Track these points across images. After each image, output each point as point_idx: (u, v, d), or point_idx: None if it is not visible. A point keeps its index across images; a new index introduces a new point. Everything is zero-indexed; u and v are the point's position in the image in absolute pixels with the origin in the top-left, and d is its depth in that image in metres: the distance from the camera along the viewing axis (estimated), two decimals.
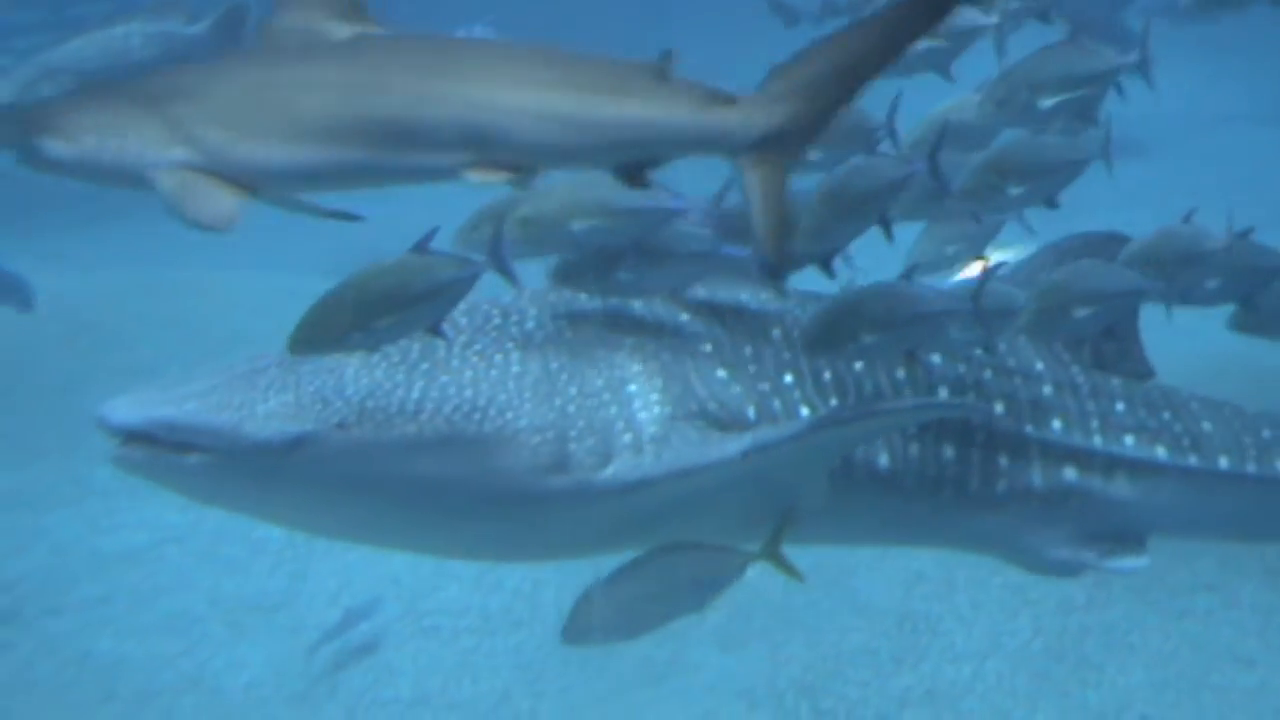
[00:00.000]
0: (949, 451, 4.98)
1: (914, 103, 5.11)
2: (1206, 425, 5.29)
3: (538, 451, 4.58)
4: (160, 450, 4.48)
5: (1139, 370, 5.36)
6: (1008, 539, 5.19)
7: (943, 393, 5.01)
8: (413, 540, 5.10)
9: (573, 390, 4.66)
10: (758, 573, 7.92)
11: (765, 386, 4.83)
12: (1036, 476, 5.07)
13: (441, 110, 3.94)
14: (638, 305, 4.86)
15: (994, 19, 4.99)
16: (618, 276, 4.62)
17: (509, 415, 4.58)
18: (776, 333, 4.93)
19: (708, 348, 4.83)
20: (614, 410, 4.67)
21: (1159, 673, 8.15)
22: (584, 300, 4.83)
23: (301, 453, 4.46)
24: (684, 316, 4.86)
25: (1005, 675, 8.26)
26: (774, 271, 4.54)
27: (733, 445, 4.63)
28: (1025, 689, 8.22)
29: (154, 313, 12.48)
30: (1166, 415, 5.26)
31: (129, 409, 4.51)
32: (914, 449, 4.93)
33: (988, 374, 5.09)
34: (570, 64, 4.07)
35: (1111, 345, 5.33)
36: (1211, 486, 5.26)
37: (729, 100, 4.04)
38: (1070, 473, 5.11)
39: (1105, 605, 8.50)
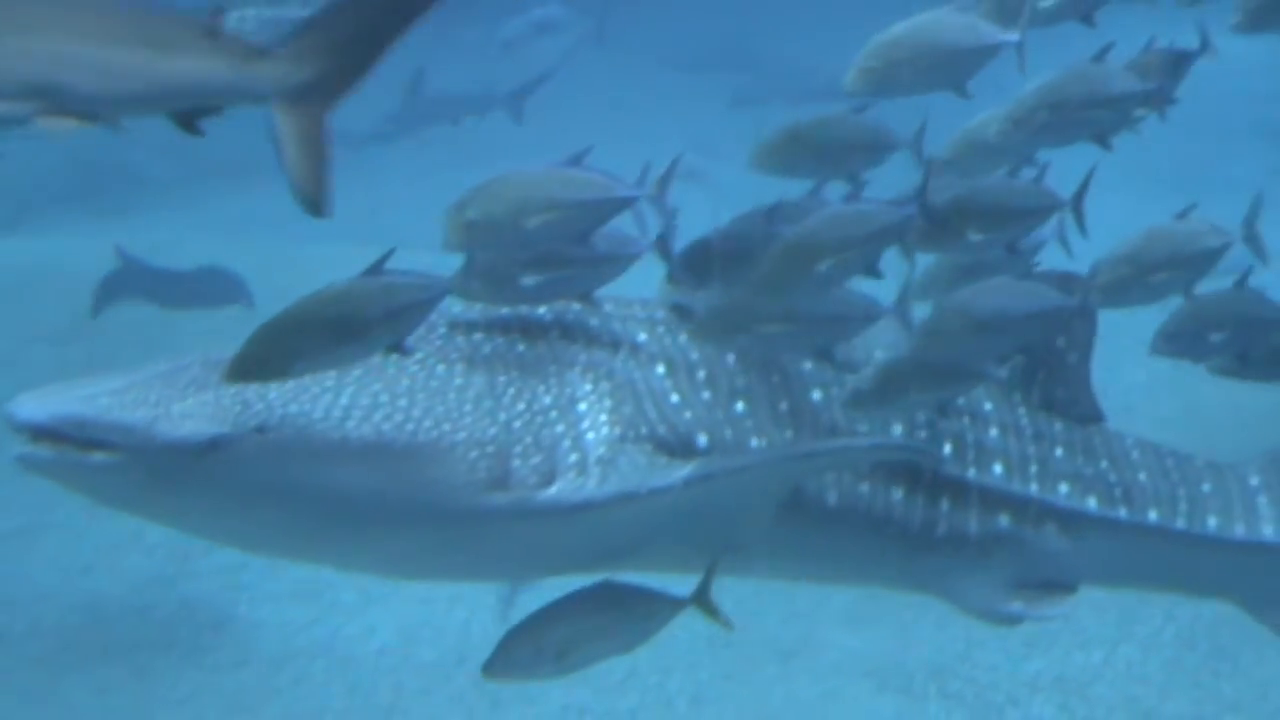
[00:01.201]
0: (897, 492, 4.85)
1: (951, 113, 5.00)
2: (1143, 476, 5.18)
3: (475, 466, 4.41)
4: (67, 448, 4.24)
5: (1088, 414, 5.23)
6: (940, 582, 5.07)
7: (895, 431, 4.88)
8: (340, 555, 4.85)
9: (520, 406, 4.51)
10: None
11: (719, 414, 4.69)
12: (973, 521, 4.96)
13: (3, 63, 3.96)
14: (594, 321, 4.73)
15: (1015, 35, 4.73)
16: (521, 282, 4.50)
17: (446, 427, 4.41)
18: (731, 358, 4.78)
19: (661, 369, 4.69)
20: (561, 429, 4.52)
21: None
22: (539, 313, 4.71)
23: (216, 456, 4.27)
24: (641, 336, 4.72)
25: (1136, 662, 8.20)
26: (311, 207, 4.35)
27: (678, 473, 4.48)
28: (1157, 677, 8.16)
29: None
30: (1104, 464, 5.16)
31: (37, 405, 4.26)
32: (864, 487, 4.81)
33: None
34: (126, 19, 4.17)
35: (1061, 388, 5.20)
36: (1140, 540, 5.16)
37: (266, 55, 4.24)
38: (1004, 519, 4.99)
39: None
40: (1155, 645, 8.25)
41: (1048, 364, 5.19)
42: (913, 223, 4.59)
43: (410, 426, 4.37)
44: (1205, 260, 4.89)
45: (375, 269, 4.18)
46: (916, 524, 4.89)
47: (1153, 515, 5.13)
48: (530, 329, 4.68)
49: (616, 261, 4.61)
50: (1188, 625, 8.32)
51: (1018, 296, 4.70)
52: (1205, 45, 5.23)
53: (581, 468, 4.49)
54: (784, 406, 4.75)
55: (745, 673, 8.17)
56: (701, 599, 4.77)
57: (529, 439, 4.47)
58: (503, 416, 4.47)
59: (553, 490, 4.45)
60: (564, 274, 4.54)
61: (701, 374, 4.72)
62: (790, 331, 4.59)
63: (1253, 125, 18.51)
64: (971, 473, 4.95)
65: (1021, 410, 5.11)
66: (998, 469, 4.98)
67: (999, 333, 4.68)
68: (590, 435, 4.53)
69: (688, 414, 4.64)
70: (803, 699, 8.09)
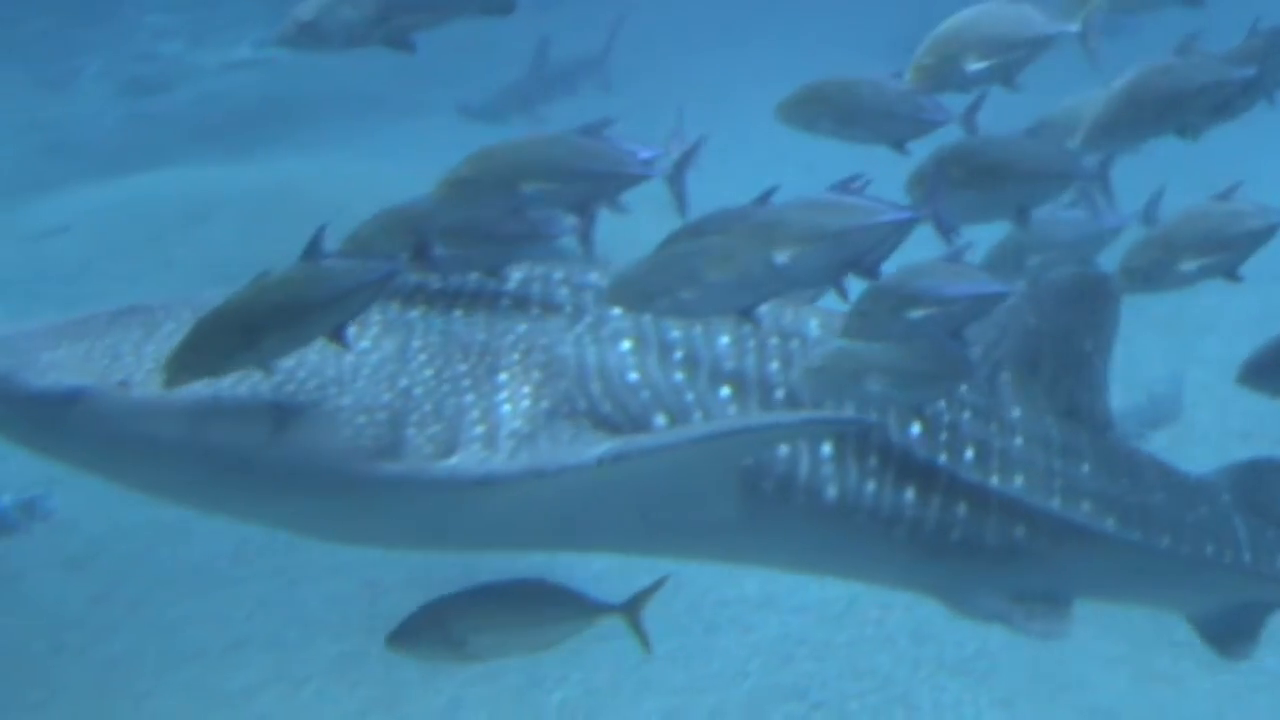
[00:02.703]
0: (909, 493, 4.68)
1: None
2: (1158, 497, 5.08)
3: (361, 433, 4.25)
4: None
5: (1101, 421, 5.11)
6: (945, 585, 4.96)
7: (914, 430, 4.69)
8: (242, 512, 4.74)
9: (427, 374, 4.34)
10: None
11: (690, 397, 4.50)
12: (991, 531, 4.80)
13: None
14: (556, 293, 4.57)
15: (1075, 26, 4.52)
16: (434, 254, 4.36)
17: (331, 391, 4.26)
18: (724, 340, 4.60)
19: (626, 345, 4.52)
20: (470, 399, 4.33)
21: None
22: (498, 283, 4.55)
23: (79, 407, 4.23)
24: (614, 311, 4.50)
25: None
26: None
27: (591, 451, 4.25)
28: None
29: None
30: (1125, 483, 5.03)
31: None
32: (870, 485, 4.64)
33: (966, 415, 4.81)
34: None
35: (1085, 394, 5.07)
36: (1147, 562, 5.06)
37: None
38: (1021, 531, 4.84)
39: None
40: None
41: (1075, 368, 5.07)
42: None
43: (290, 388, 4.24)
44: (1249, 242, 4.65)
45: (312, 253, 4.05)
46: (929, 527, 4.74)
47: (1165, 541, 5.05)
48: (479, 298, 4.54)
49: (534, 240, 4.46)
50: None
51: (950, 279, 4.39)
52: None
53: (489, 440, 4.30)
54: (779, 395, 4.59)
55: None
56: (632, 611, 4.65)
57: (428, 407, 4.31)
58: (404, 383, 4.31)
59: (450, 462, 4.26)
60: (477, 249, 4.39)
61: (679, 354, 4.55)
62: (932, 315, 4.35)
63: None
64: (994, 480, 4.80)
65: (1049, 420, 4.98)
66: (1020, 480, 4.84)
67: (928, 315, 4.35)
68: (506, 408, 4.35)
69: (645, 393, 4.47)
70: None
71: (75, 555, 8.85)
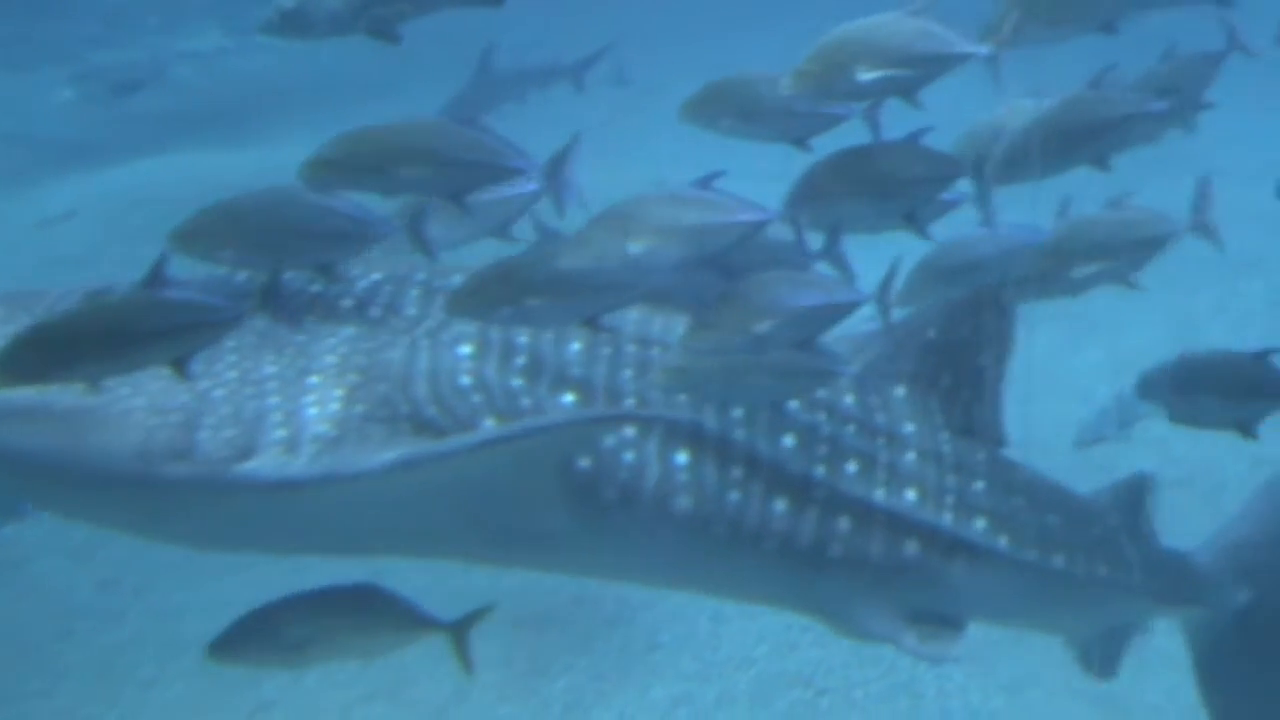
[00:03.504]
0: (781, 504, 4.56)
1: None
2: (1051, 518, 4.99)
3: (153, 435, 4.19)
4: None
5: (996, 437, 5.02)
6: (829, 604, 4.81)
7: (787, 441, 4.58)
8: (69, 512, 4.75)
9: (231, 375, 4.28)
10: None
11: (526, 402, 4.40)
12: (876, 546, 4.69)
13: None
14: (412, 294, 4.51)
15: (984, 49, 4.35)
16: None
17: (124, 392, 4.18)
18: (575, 347, 4.50)
19: (466, 350, 4.43)
20: (274, 402, 4.25)
21: None
22: (330, 286, 4.47)
23: None
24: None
25: None
26: None
27: (380, 457, 4.16)
28: None
29: None
30: (1020, 501, 4.93)
31: None
32: (734, 495, 4.51)
33: (850, 428, 4.72)
34: None
35: (981, 410, 4.98)
36: (1041, 582, 4.97)
37: None
38: (911, 548, 4.73)
39: None
40: None
41: (972, 383, 4.99)
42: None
43: (79, 388, 4.14)
44: (1143, 250, 4.64)
45: (154, 279, 3.97)
46: (805, 542, 4.62)
47: (1059, 560, 4.97)
48: (320, 300, 4.47)
49: (358, 239, 4.34)
50: None
51: (800, 289, 4.30)
52: (1235, 43, 4.97)
53: (291, 444, 4.21)
54: (629, 404, 4.49)
55: None
56: (460, 630, 4.59)
57: (226, 410, 4.23)
58: (203, 385, 4.23)
59: (245, 466, 4.18)
60: (300, 246, 4.26)
61: (522, 360, 4.46)
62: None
63: None
64: (879, 495, 4.69)
65: (945, 436, 4.89)
66: (910, 495, 4.73)
67: (778, 326, 4.25)
68: (313, 410, 4.26)
69: (476, 398, 4.38)
70: None
71: (81, 543, 8.84)
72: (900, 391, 4.92)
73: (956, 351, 5.00)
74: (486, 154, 4.30)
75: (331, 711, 7.74)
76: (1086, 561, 5.05)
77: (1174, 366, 4.93)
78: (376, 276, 4.57)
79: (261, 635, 4.47)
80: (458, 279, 4.38)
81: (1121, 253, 4.61)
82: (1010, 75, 4.45)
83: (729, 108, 4.43)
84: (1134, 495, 5.25)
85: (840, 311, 4.35)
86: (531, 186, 4.68)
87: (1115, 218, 4.65)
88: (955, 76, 4.35)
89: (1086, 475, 5.51)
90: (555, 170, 4.49)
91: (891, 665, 7.89)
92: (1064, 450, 9.54)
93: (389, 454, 4.16)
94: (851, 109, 4.50)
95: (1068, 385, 10.30)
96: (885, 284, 4.67)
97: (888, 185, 4.45)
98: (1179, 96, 4.69)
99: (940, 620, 4.84)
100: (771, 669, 7.92)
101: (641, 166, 5.03)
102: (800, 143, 4.48)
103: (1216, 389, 4.90)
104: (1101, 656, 5.51)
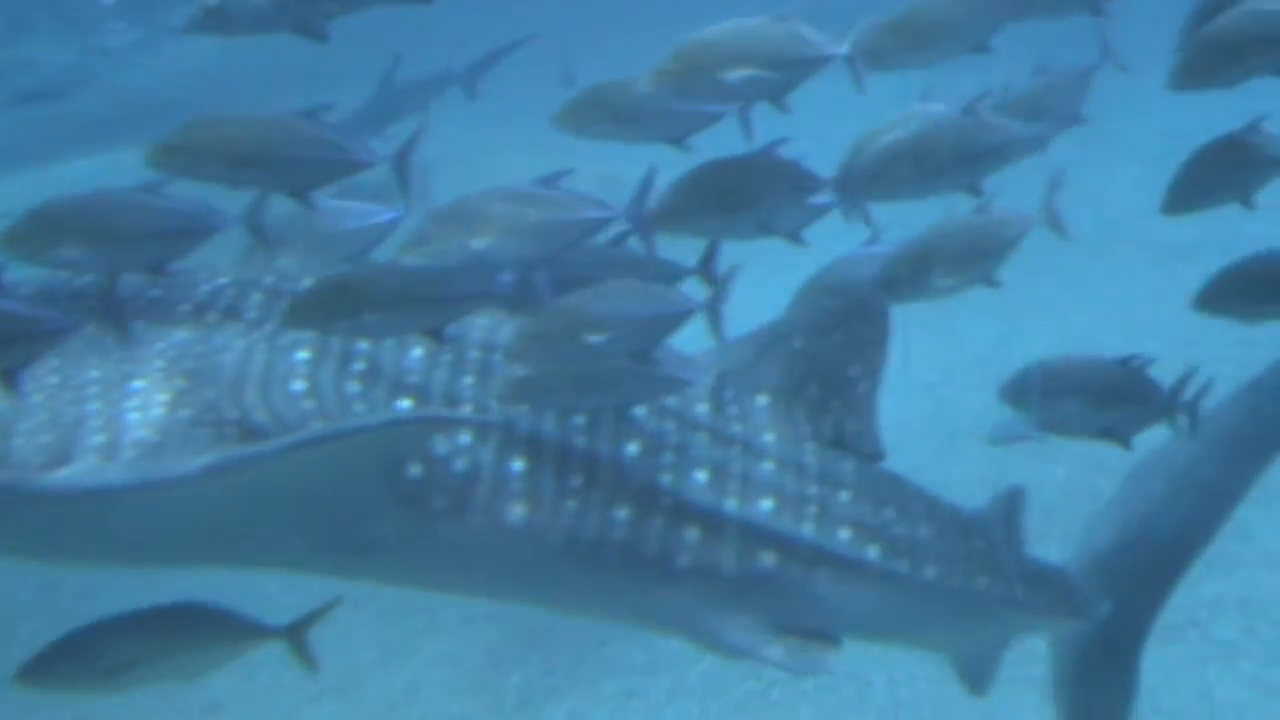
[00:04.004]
0: (623, 513, 4.47)
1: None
2: (925, 530, 4.85)
3: None
4: None
5: (871, 450, 4.91)
6: (684, 617, 4.68)
7: (631, 449, 4.50)
8: None
9: (51, 380, 4.19)
10: (1068, 473, 7.79)
11: (360, 408, 4.31)
12: (729, 557, 4.58)
13: None
14: (255, 298, 4.44)
15: (843, 49, 4.30)
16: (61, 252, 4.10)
17: None
18: (416, 353, 4.44)
19: (303, 355, 4.35)
20: (94, 407, 4.16)
21: None
22: (195, 287, 4.42)
23: None
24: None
25: None
26: None
27: (198, 462, 4.04)
28: None
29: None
30: (891, 513, 4.81)
31: None
32: (571, 504, 4.43)
33: (701, 436, 4.63)
34: None
35: (851, 420, 4.87)
36: (915, 595, 4.83)
37: None
38: (768, 558, 4.61)
39: None
40: None
41: (841, 393, 4.89)
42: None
43: None
44: (999, 250, 4.61)
45: None
46: (650, 552, 4.52)
47: (930, 572, 4.82)
48: (155, 303, 4.39)
49: (190, 236, 4.23)
50: None
51: (631, 299, 4.25)
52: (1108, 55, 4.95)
53: (109, 450, 4.11)
54: (468, 411, 4.43)
55: None
56: (296, 633, 4.52)
57: (44, 416, 4.14)
58: (27, 389, 4.09)
59: (60, 472, 4.07)
60: (123, 245, 4.14)
61: (360, 365, 4.39)
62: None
63: None
64: (731, 504, 4.58)
65: (810, 446, 4.78)
66: (766, 504, 4.62)
67: (602, 335, 4.20)
68: (134, 415, 4.16)
69: (308, 403, 4.30)
70: None
71: None
72: (763, 401, 4.81)
73: (824, 361, 4.90)
74: (330, 149, 4.22)
75: (281, 711, 7.71)
76: (964, 574, 4.92)
77: (1039, 372, 4.85)
78: (222, 280, 4.49)
79: (78, 658, 4.31)
80: (305, 283, 4.32)
81: (978, 254, 4.59)
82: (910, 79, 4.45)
83: (602, 113, 4.38)
84: (1009, 509, 5.14)
85: (669, 323, 4.28)
86: (390, 215, 4.62)
87: (971, 221, 4.62)
88: (879, 82, 4.31)
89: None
90: (401, 161, 4.37)
91: (840, 656, 7.91)
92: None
93: (203, 459, 4.04)
94: (725, 107, 4.40)
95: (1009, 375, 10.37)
96: (715, 295, 4.53)
97: (741, 199, 4.42)
98: (1051, 120, 4.70)
99: (811, 634, 4.72)
100: (722, 661, 7.93)
101: (592, 163, 5.06)
102: (677, 142, 4.42)
103: (1081, 395, 4.83)
104: (974, 672, 5.49)
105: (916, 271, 4.51)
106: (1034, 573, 5.15)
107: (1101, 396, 4.81)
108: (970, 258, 4.59)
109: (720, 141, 4.42)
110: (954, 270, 4.55)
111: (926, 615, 4.96)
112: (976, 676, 5.50)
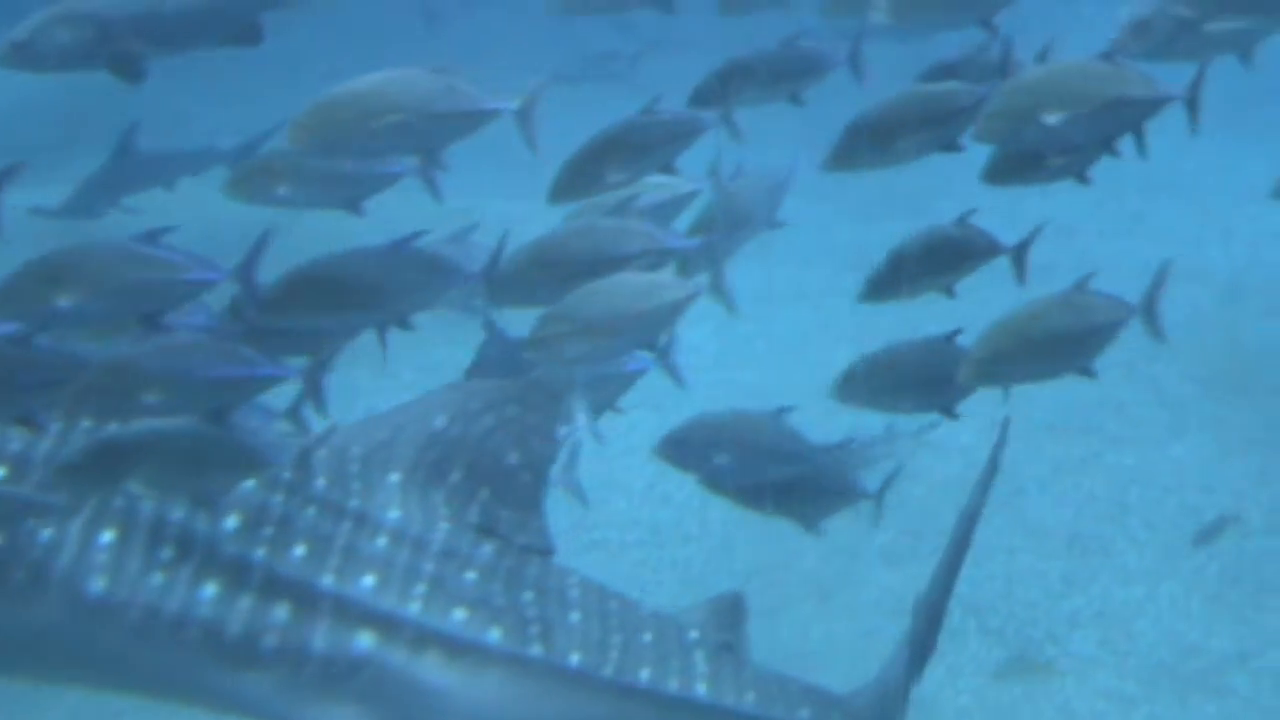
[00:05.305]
0: (209, 590, 4.30)
1: None
2: (575, 616, 4.57)
3: None
4: None
5: (534, 542, 4.69)
6: (266, 704, 4.39)
7: (230, 522, 4.34)
8: None
9: None
10: (929, 490, 8.10)
11: None
12: (319, 636, 4.36)
13: None
14: None
15: (513, 104, 4.37)
16: None
17: None
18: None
19: None
20: None
21: None
22: None
23: None
24: None
25: (1179, 598, 8.00)
26: None
27: None
28: (1200, 612, 7.92)
29: None
30: (529, 596, 4.54)
31: None
32: (157, 578, 4.27)
33: (310, 510, 4.46)
34: None
35: (507, 510, 4.67)
36: (555, 685, 4.53)
37: None
38: (365, 639, 4.39)
39: None
40: (1198, 581, 8.03)
41: (494, 480, 4.70)
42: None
43: None
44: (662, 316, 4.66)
45: None
46: (235, 632, 4.32)
47: (575, 659, 4.53)
48: None
49: (185, 287, 4.24)
50: (1233, 561, 8.13)
51: (207, 359, 4.13)
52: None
53: None
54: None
55: (784, 609, 8.28)
56: None
57: None
58: None
59: None
60: None
61: None
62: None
63: None
64: (327, 580, 4.39)
65: (442, 526, 4.57)
66: (367, 581, 4.41)
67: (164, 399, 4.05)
68: None
69: None
70: (840, 637, 8.20)
71: None
72: (394, 478, 4.63)
73: (469, 445, 4.72)
74: (171, 271, 4.20)
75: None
76: (619, 665, 4.60)
77: (864, 366, 4.90)
78: None
79: None
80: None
81: (631, 319, 4.56)
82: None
83: (280, 179, 4.44)
84: (730, 613, 4.88)
85: (256, 385, 4.19)
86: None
87: (628, 282, 4.59)
88: None
89: None
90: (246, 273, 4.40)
91: None
92: None
93: None
94: (406, 166, 4.46)
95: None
96: (315, 366, 4.43)
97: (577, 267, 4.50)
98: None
99: None
100: None
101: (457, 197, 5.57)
102: (353, 206, 4.51)
103: (906, 381, 4.96)
104: None
105: (562, 336, 4.46)
106: (760, 682, 4.78)
107: (919, 380, 4.94)
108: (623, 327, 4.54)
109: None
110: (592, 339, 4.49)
111: (570, 711, 4.59)
112: None
